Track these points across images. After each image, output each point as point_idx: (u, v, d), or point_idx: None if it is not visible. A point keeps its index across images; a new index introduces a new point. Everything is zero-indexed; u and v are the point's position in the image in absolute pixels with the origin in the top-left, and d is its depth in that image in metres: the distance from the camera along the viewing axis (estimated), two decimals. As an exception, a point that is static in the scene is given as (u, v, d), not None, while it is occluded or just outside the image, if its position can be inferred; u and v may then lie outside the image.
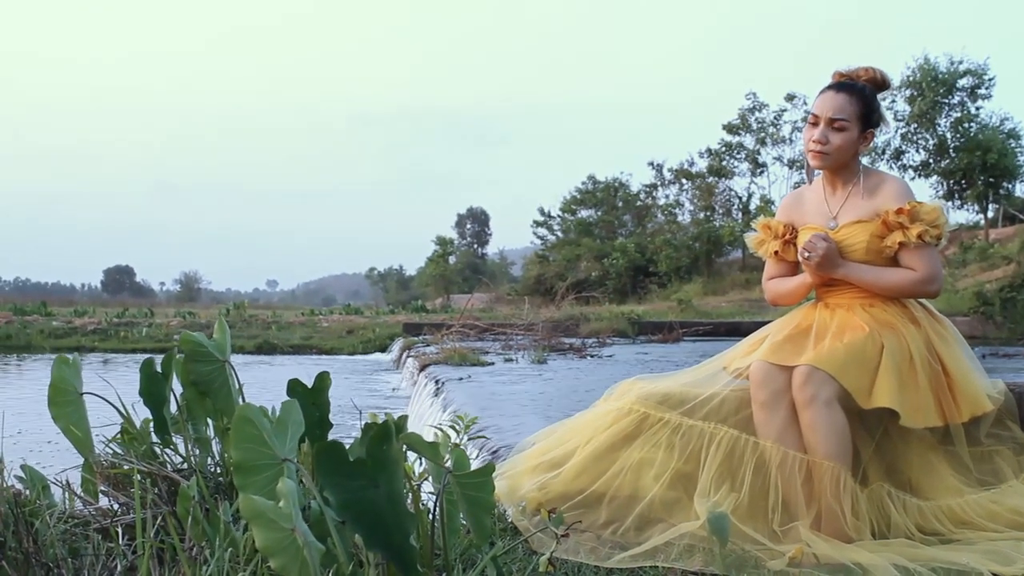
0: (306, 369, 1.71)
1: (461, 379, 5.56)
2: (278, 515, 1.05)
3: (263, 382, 7.66)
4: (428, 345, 8.90)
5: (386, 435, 1.13)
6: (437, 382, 5.53)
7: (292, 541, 1.05)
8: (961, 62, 22.76)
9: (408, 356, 8.78)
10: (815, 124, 2.17)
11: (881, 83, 2.23)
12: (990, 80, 22.81)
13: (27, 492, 1.68)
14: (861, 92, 2.17)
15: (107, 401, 1.89)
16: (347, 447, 1.20)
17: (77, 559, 1.39)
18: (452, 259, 43.16)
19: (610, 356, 7.82)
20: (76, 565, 1.37)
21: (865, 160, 2.29)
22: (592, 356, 7.80)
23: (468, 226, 58.28)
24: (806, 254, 2.16)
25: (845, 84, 2.19)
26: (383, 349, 13.50)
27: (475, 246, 57.29)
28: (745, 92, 31.95)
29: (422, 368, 6.73)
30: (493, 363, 6.92)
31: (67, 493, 1.75)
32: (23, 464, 1.73)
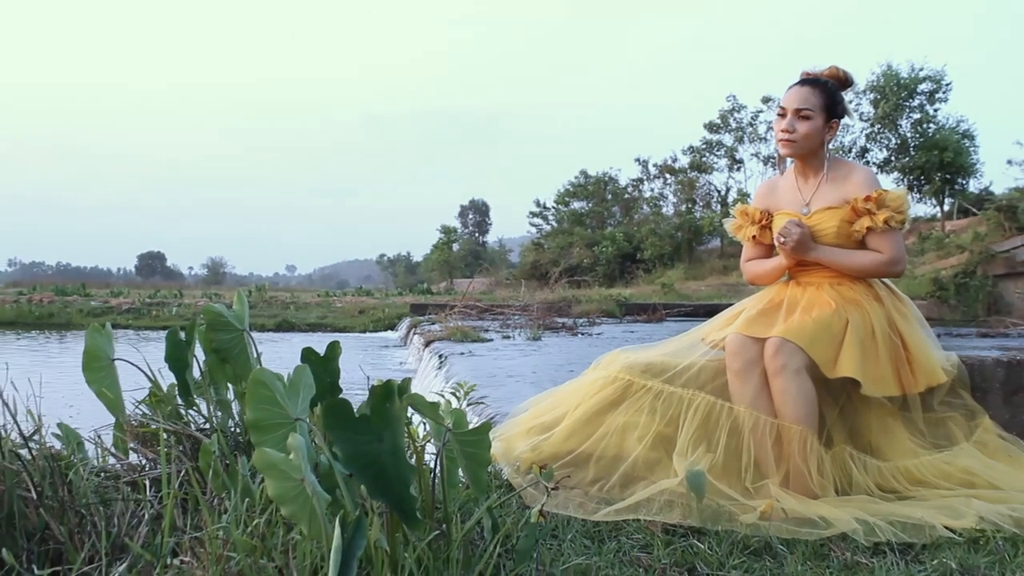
0: (321, 344, 1.69)
1: (463, 354, 5.54)
2: (289, 466, 1.03)
3: (281, 356, 7.65)
4: (433, 324, 8.88)
5: (389, 393, 1.12)
6: (441, 356, 5.52)
7: (301, 491, 1.04)
8: (921, 69, 22.70)
9: (414, 334, 8.77)
10: (783, 116, 2.16)
11: (844, 80, 2.22)
12: (947, 85, 22.73)
13: (63, 448, 1.67)
14: (824, 85, 2.16)
15: (136, 367, 1.88)
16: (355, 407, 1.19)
17: (108, 508, 1.39)
18: (455, 246, 43.11)
19: (599, 334, 7.80)
20: (107, 513, 1.36)
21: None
22: (583, 334, 7.79)
23: (470, 216, 58.18)
24: (781, 239, 2.15)
25: (809, 79, 2.18)
26: (392, 327, 13.50)
27: (476, 235, 57.23)
28: (726, 94, 31.87)
29: (427, 344, 6.72)
30: (492, 340, 6.91)
31: (100, 449, 1.74)
32: (60, 423, 1.72)
